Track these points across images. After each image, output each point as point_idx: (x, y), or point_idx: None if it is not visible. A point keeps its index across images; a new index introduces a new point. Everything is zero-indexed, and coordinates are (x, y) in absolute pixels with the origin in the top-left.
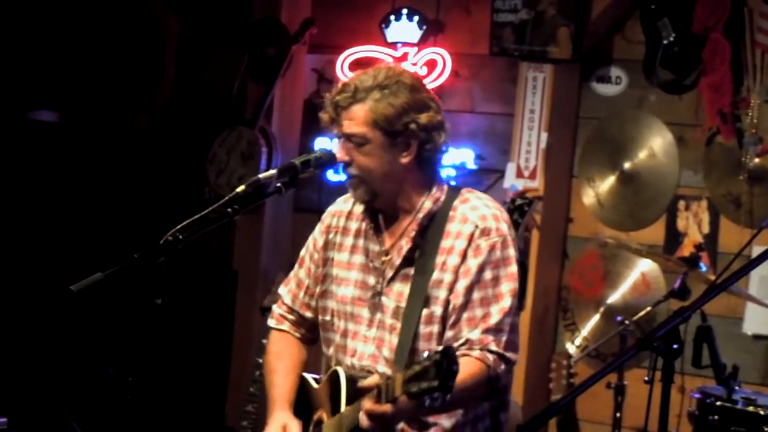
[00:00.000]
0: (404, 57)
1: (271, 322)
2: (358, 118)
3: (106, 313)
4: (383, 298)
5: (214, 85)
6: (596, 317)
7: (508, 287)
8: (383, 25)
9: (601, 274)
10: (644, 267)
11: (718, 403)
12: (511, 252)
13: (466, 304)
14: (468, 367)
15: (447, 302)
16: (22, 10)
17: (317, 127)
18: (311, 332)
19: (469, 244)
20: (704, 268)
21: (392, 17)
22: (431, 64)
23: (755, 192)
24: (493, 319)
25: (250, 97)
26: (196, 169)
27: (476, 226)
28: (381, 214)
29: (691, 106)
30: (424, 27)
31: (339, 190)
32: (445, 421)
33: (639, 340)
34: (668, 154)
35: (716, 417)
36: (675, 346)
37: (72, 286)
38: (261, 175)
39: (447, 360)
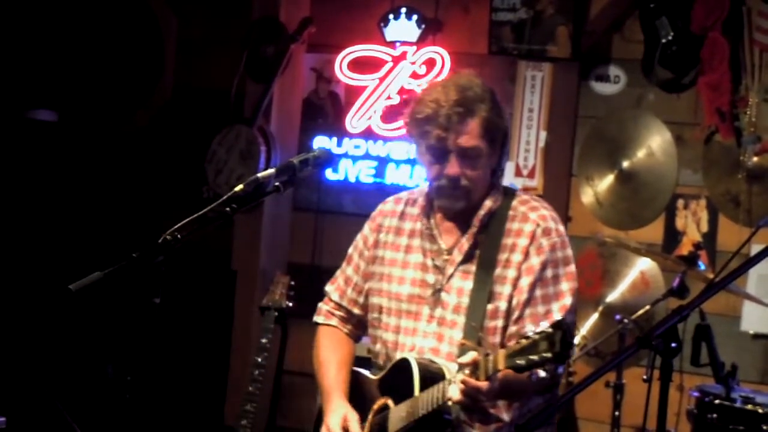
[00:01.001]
0: (403, 56)
1: (318, 319)
2: (473, 132)
3: (104, 312)
4: (443, 294)
5: (212, 84)
6: (595, 316)
7: (568, 286)
8: (382, 24)
9: (600, 272)
10: (643, 266)
11: (717, 401)
12: (570, 252)
13: (529, 301)
14: None
15: (511, 297)
16: (20, 9)
17: (316, 125)
18: (358, 328)
19: (531, 242)
20: (703, 267)
21: (391, 16)
22: (430, 63)
23: (754, 191)
24: (555, 316)
25: (248, 96)
26: (194, 168)
27: (538, 225)
28: (438, 214)
29: (690, 105)
30: (423, 26)
31: (337, 189)
32: (505, 415)
33: (638, 339)
34: (667, 152)
35: (715, 415)
36: (673, 345)
37: (71, 286)
38: (259, 174)
39: (562, 332)
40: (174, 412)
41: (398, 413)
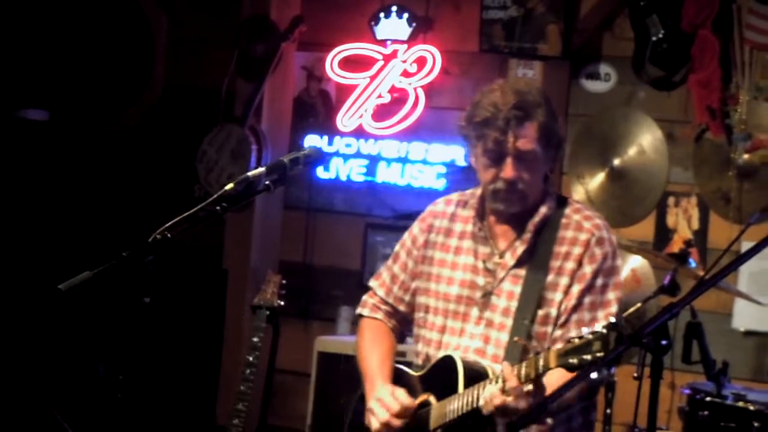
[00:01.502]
0: (394, 54)
1: (363, 311)
2: (531, 135)
3: (95, 312)
4: (493, 297)
5: (203, 83)
6: None
7: (614, 295)
8: (373, 23)
9: None
10: (634, 263)
11: (708, 398)
12: (619, 262)
13: (576, 307)
14: None
15: (560, 304)
16: (11, 8)
17: (307, 124)
18: (402, 325)
19: (585, 251)
20: (694, 264)
21: (382, 14)
22: (421, 62)
23: (744, 188)
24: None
25: (239, 95)
26: (185, 167)
27: (593, 234)
28: (492, 217)
29: (681, 103)
30: (414, 24)
31: (328, 187)
32: (548, 418)
33: (628, 337)
34: (657, 150)
35: (706, 413)
36: (664, 342)
37: (60, 285)
38: (250, 173)
39: (618, 333)
40: (166, 412)
41: (440, 409)
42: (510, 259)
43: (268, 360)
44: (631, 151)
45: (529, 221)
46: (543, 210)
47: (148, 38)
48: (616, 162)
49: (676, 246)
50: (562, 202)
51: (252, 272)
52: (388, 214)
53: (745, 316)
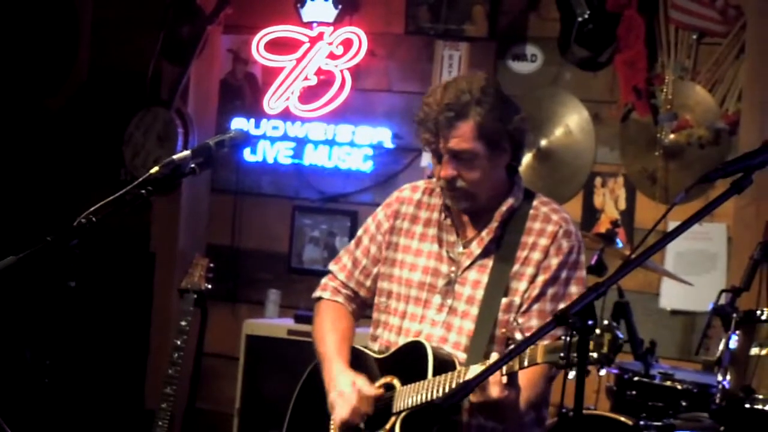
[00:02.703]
0: (320, 37)
1: (324, 294)
2: (465, 135)
3: (21, 296)
4: (456, 286)
5: (129, 66)
6: None
7: (577, 290)
8: (298, 5)
9: None
10: None
11: (636, 378)
12: (583, 258)
13: (539, 297)
14: None
15: (524, 293)
16: None
17: (233, 107)
18: (360, 309)
19: (552, 242)
20: (620, 245)
21: None
22: (347, 44)
23: (670, 168)
24: None
25: (165, 78)
26: (111, 150)
27: (560, 227)
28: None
29: (607, 83)
30: (340, 6)
31: (256, 170)
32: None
33: (554, 316)
34: (584, 131)
35: (634, 392)
36: (590, 322)
37: None
38: (175, 156)
39: (612, 335)
40: (93, 396)
41: (408, 392)
42: (476, 249)
43: (196, 343)
44: (558, 132)
45: (496, 211)
46: (510, 201)
47: (72, 20)
48: (543, 143)
49: (603, 226)
50: (530, 195)
51: (179, 256)
52: (316, 197)
53: (671, 296)
